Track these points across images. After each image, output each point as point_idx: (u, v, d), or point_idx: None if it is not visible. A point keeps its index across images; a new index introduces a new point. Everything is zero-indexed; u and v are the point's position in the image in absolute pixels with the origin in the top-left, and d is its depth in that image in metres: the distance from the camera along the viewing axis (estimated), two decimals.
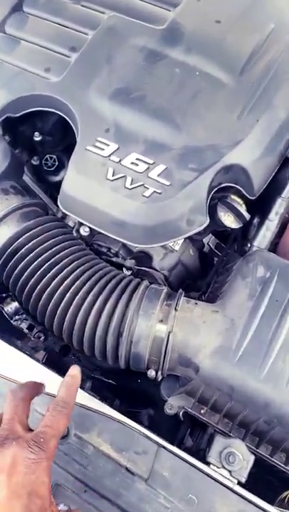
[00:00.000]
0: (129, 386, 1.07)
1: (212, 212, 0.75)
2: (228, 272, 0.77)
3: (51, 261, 0.71)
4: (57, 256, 0.72)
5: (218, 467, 0.64)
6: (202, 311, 0.69)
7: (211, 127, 0.74)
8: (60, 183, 0.79)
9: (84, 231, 0.82)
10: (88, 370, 1.05)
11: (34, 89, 0.79)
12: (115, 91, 0.77)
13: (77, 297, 0.69)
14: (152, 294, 0.70)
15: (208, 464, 0.64)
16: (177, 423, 0.85)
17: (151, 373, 0.70)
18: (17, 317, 1.05)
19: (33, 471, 0.47)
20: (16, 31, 0.85)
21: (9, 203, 0.76)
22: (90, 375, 1.05)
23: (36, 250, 0.72)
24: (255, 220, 0.87)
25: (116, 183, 0.72)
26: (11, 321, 1.03)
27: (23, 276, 0.71)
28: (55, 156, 0.87)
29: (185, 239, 0.82)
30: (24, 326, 1.03)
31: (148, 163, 0.72)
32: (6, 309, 1.03)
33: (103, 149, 0.73)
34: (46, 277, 0.70)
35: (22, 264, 0.71)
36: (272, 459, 0.69)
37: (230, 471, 0.64)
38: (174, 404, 0.72)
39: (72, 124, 0.78)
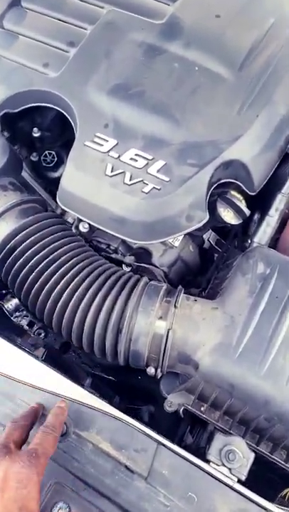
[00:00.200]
0: (129, 383, 1.06)
1: (212, 208, 0.73)
2: (229, 268, 0.75)
3: (50, 257, 0.70)
4: (56, 253, 0.70)
5: (218, 465, 0.62)
6: (202, 307, 0.67)
7: (211, 123, 0.72)
8: (59, 179, 0.77)
9: (83, 227, 0.81)
10: (88, 367, 1.04)
11: (32, 84, 0.77)
12: (114, 86, 0.75)
13: (76, 294, 0.67)
14: (152, 291, 0.68)
15: (208, 461, 0.63)
16: (178, 420, 0.83)
17: (151, 370, 0.68)
18: (17, 314, 1.03)
19: (24, 486, 0.48)
20: (14, 26, 0.83)
21: (8, 200, 0.74)
22: (90, 372, 1.04)
23: (35, 247, 0.70)
24: (256, 216, 0.85)
25: (115, 179, 0.70)
26: (11, 318, 1.02)
27: (22, 273, 0.70)
28: (54, 152, 0.85)
29: (185, 235, 0.80)
30: (24, 322, 1.02)
31: (147, 159, 0.70)
32: (6, 306, 1.02)
33: (102, 145, 0.72)
34: (45, 274, 0.68)
35: (21, 260, 0.70)
36: (273, 457, 0.68)
37: (230, 469, 0.62)
38: (174, 401, 0.71)
39: (70, 120, 0.76)
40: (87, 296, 0.67)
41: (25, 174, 0.87)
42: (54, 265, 0.69)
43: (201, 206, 0.70)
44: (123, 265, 0.80)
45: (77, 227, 0.81)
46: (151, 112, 0.73)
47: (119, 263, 0.80)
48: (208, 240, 0.89)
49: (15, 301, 1.02)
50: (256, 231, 0.76)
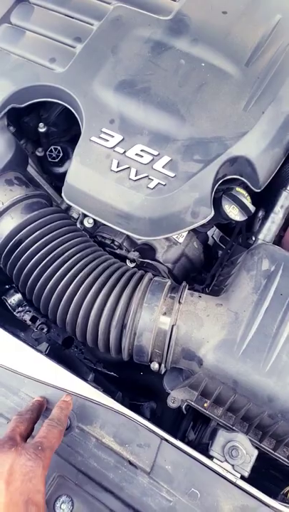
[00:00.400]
0: (131, 379, 1.05)
1: (217, 204, 0.72)
2: (233, 265, 0.74)
3: (54, 252, 0.69)
4: (60, 247, 0.69)
5: (221, 461, 0.61)
6: (206, 304, 0.67)
7: (217, 119, 0.71)
8: (64, 174, 0.76)
9: (88, 223, 0.80)
10: (90, 363, 1.03)
11: (39, 79, 0.76)
12: (120, 82, 0.74)
13: (81, 289, 0.66)
14: (156, 287, 0.67)
15: (211, 457, 0.62)
16: (180, 417, 0.83)
17: (155, 366, 0.67)
18: (20, 309, 1.03)
19: (29, 479, 0.47)
20: (22, 22, 0.82)
21: (13, 194, 0.73)
22: (92, 368, 1.04)
23: (40, 241, 0.69)
24: (260, 214, 0.84)
25: (120, 175, 0.70)
26: (14, 313, 1.02)
27: (27, 268, 0.69)
28: (59, 148, 0.84)
29: (189, 231, 0.79)
30: (27, 317, 1.01)
31: (153, 155, 0.69)
32: (9, 301, 1.01)
33: (108, 140, 0.71)
34: (50, 269, 0.68)
35: (26, 255, 0.69)
36: (276, 454, 0.67)
37: (233, 465, 0.61)
38: (177, 397, 0.70)
39: (76, 115, 0.75)
40: (92, 291, 0.66)
41: (31, 169, 0.86)
42: (59, 260, 0.68)
43: (206, 202, 0.69)
44: (127, 261, 0.79)
45: (81, 223, 0.81)
46: (157, 107, 0.71)
47: (123, 259, 0.79)
48: (212, 236, 0.88)
49: (18, 296, 1.01)
50: (261, 228, 0.75)
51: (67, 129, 0.88)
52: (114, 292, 0.66)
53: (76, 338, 0.98)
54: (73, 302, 0.66)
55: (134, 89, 0.73)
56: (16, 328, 0.95)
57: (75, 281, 0.67)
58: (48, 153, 0.84)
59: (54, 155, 0.84)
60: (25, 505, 0.46)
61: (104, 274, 0.68)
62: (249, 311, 0.64)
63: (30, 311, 1.02)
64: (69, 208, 0.84)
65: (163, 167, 0.69)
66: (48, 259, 0.68)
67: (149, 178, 0.69)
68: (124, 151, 0.70)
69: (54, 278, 0.67)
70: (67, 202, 0.74)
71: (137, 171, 0.69)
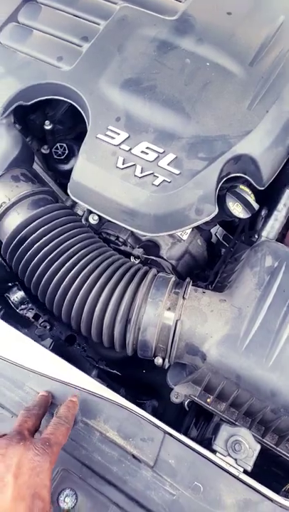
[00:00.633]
0: (133, 377, 1.05)
1: (221, 202, 0.73)
2: (236, 262, 0.74)
3: (60, 248, 0.69)
4: (66, 243, 0.70)
5: (224, 455, 0.62)
6: (210, 299, 0.67)
7: (221, 117, 0.71)
8: (69, 171, 0.77)
9: (93, 219, 0.80)
10: (93, 361, 1.03)
11: (46, 77, 0.77)
12: (126, 80, 0.74)
13: (86, 284, 0.67)
14: (160, 283, 0.68)
15: (214, 452, 0.62)
16: (181, 414, 0.83)
17: (158, 361, 0.68)
18: (23, 306, 1.03)
19: (37, 474, 0.48)
20: (29, 21, 0.82)
21: (20, 190, 0.74)
22: (95, 366, 1.04)
23: (45, 237, 0.70)
24: (263, 212, 0.84)
25: (126, 172, 0.70)
26: (17, 310, 1.02)
27: (33, 263, 0.69)
28: (65, 145, 0.84)
29: (193, 229, 0.80)
30: (30, 315, 1.01)
31: (158, 152, 0.70)
32: (12, 298, 1.02)
33: (114, 138, 0.71)
34: (55, 264, 0.68)
35: (31, 250, 0.69)
36: (278, 449, 0.67)
37: (236, 460, 0.61)
38: (180, 392, 0.70)
39: (83, 113, 0.75)
40: (97, 286, 0.66)
41: (36, 166, 0.86)
42: (64, 255, 0.69)
43: (211, 199, 0.69)
44: (131, 257, 0.80)
45: (86, 219, 0.81)
46: (162, 106, 0.72)
47: (127, 255, 0.79)
48: (215, 234, 0.88)
49: (20, 294, 1.01)
50: (264, 226, 0.75)
51: (72, 127, 0.89)
52: (119, 287, 0.66)
53: (79, 334, 0.98)
54: (78, 297, 0.66)
55: (140, 87, 0.73)
56: (19, 324, 0.95)
57: (81, 276, 0.67)
58: (53, 150, 0.85)
59: (60, 152, 0.84)
60: (32, 499, 0.46)
61: (109, 270, 0.68)
62: (252, 306, 0.64)
63: (33, 309, 1.02)
64: (74, 204, 0.84)
65: (168, 164, 0.69)
66: (53, 254, 0.68)
67: (155, 175, 0.69)
68: (130, 149, 0.70)
69: (60, 273, 0.67)
70: (73, 198, 0.74)
71: (142, 168, 0.69)
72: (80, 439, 0.63)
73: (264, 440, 0.66)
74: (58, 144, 0.84)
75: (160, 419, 0.65)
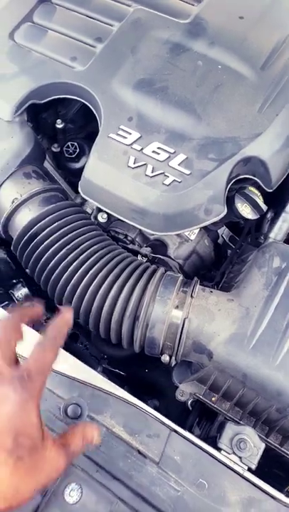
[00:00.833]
0: (136, 376, 1.06)
1: (229, 202, 0.74)
2: (243, 263, 0.75)
3: (70, 245, 0.70)
4: (76, 240, 0.70)
5: (228, 453, 0.62)
6: (217, 299, 0.68)
7: (232, 119, 0.72)
8: (79, 170, 0.77)
9: (102, 218, 0.81)
10: (95, 359, 1.04)
11: (60, 77, 0.78)
12: (139, 81, 0.75)
13: (96, 280, 0.67)
14: (168, 281, 0.68)
15: (219, 449, 0.62)
16: (183, 414, 0.83)
17: (165, 358, 0.68)
18: (27, 304, 1.03)
19: (18, 411, 0.41)
20: (44, 21, 0.83)
21: (31, 187, 0.74)
22: (99, 363, 1.04)
23: (56, 234, 0.70)
24: (269, 214, 0.85)
25: (137, 171, 0.71)
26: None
27: (43, 259, 0.70)
28: (76, 144, 0.85)
29: (200, 229, 0.81)
30: None
31: (169, 153, 0.71)
32: (16, 295, 1.02)
33: (126, 137, 0.72)
34: (65, 260, 0.69)
35: (42, 247, 0.70)
36: (282, 449, 0.67)
37: (240, 458, 0.62)
38: (186, 390, 0.71)
39: (95, 112, 0.76)
40: (106, 283, 0.67)
41: (47, 164, 0.87)
42: (75, 252, 0.69)
43: (220, 200, 0.70)
44: (139, 256, 0.80)
45: (95, 217, 0.82)
46: (174, 107, 0.73)
47: (135, 253, 0.80)
48: (221, 235, 0.89)
49: (24, 290, 1.02)
50: (272, 227, 0.76)
51: (83, 126, 0.90)
52: (128, 285, 0.67)
53: (82, 332, 0.99)
54: (88, 293, 0.67)
55: (153, 88, 0.74)
56: None
57: (90, 272, 0.68)
58: (65, 148, 0.86)
59: (71, 151, 0.85)
60: (15, 441, 0.40)
61: (118, 267, 0.69)
62: (260, 306, 0.65)
63: None
64: (83, 202, 0.85)
65: (179, 165, 0.70)
66: (64, 251, 0.69)
67: (165, 175, 0.70)
68: (142, 148, 0.71)
69: (70, 269, 0.68)
70: (84, 196, 0.75)
71: (153, 168, 0.70)
72: None
73: (268, 440, 0.67)
74: (69, 143, 0.85)
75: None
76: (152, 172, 0.70)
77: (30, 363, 0.43)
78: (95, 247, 0.71)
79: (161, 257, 0.79)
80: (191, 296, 0.67)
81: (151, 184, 0.70)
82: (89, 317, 0.69)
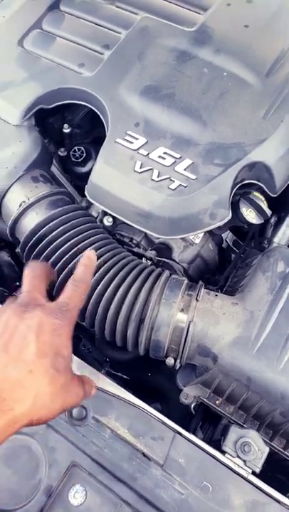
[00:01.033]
0: (138, 380, 1.06)
1: (234, 207, 0.74)
2: (247, 267, 0.76)
3: (77, 248, 0.70)
4: (82, 243, 0.71)
5: (233, 456, 0.62)
6: (222, 302, 0.68)
7: (237, 125, 0.74)
8: (86, 174, 0.79)
9: (107, 221, 0.82)
10: (98, 363, 1.04)
11: (67, 83, 0.79)
12: (146, 88, 0.76)
13: (102, 283, 0.68)
14: (174, 284, 0.69)
15: (223, 452, 0.63)
16: (186, 418, 0.83)
17: (170, 361, 0.69)
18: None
19: (58, 335, 0.47)
20: (53, 28, 0.85)
21: (39, 191, 0.75)
22: (101, 367, 1.05)
23: (63, 237, 0.71)
24: (273, 219, 0.86)
25: (143, 176, 0.72)
26: None
27: (50, 261, 0.71)
28: (82, 148, 0.87)
29: (205, 233, 0.81)
30: None
31: (175, 158, 0.72)
32: None
33: (132, 142, 0.73)
34: (72, 263, 0.70)
35: (49, 249, 0.71)
36: (285, 453, 0.68)
37: (245, 461, 0.62)
38: (190, 393, 0.71)
39: (102, 118, 0.77)
40: (112, 286, 0.68)
41: (53, 168, 0.88)
42: (80, 255, 0.70)
43: (225, 205, 0.71)
44: (144, 259, 0.81)
45: (101, 221, 0.83)
46: (180, 113, 0.74)
47: (140, 257, 0.81)
48: (225, 240, 0.90)
49: None
50: (276, 232, 0.77)
51: (90, 131, 0.91)
52: (133, 287, 0.67)
53: (85, 336, 0.99)
54: (93, 296, 0.68)
55: (159, 94, 0.75)
56: None
57: (96, 275, 0.68)
58: (71, 153, 0.87)
59: (78, 155, 0.86)
60: (55, 356, 0.46)
61: (124, 270, 0.70)
62: (264, 310, 0.66)
63: None
64: (89, 206, 0.86)
65: (184, 169, 0.71)
66: (71, 253, 0.70)
67: (171, 180, 0.71)
68: (148, 153, 0.72)
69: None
70: (90, 200, 0.76)
71: (159, 173, 0.71)
72: (91, 435, 0.64)
73: (272, 444, 0.67)
74: (75, 147, 0.87)
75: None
76: (158, 177, 0.71)
77: (67, 297, 0.51)
78: (101, 250, 0.72)
79: (166, 260, 0.80)
80: (196, 299, 0.67)
81: (157, 188, 0.71)
82: (94, 320, 0.69)
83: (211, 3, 0.85)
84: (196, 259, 0.82)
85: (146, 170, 0.72)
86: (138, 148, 0.73)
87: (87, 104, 0.79)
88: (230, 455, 0.62)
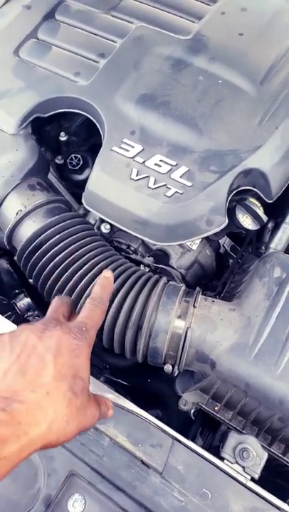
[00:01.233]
0: (138, 386, 1.07)
1: (230, 213, 0.76)
2: (245, 273, 0.77)
3: (74, 255, 0.72)
4: (79, 251, 0.72)
5: (232, 463, 0.63)
6: (219, 308, 0.69)
7: (232, 133, 0.75)
8: (83, 181, 0.80)
9: (105, 228, 0.83)
10: (98, 369, 1.05)
11: (64, 91, 0.80)
12: (141, 96, 0.78)
13: None
14: (171, 291, 0.70)
15: (222, 459, 0.63)
16: (186, 424, 0.84)
17: (168, 368, 0.70)
18: (29, 313, 1.05)
19: (76, 356, 0.47)
20: (48, 37, 0.87)
21: (35, 199, 0.77)
22: (101, 373, 1.05)
23: (60, 245, 0.72)
24: (270, 225, 0.87)
25: (139, 183, 0.73)
26: (23, 317, 1.04)
27: (46, 269, 0.72)
28: (79, 156, 0.88)
29: (202, 239, 0.83)
30: None
31: (171, 165, 0.73)
32: (18, 305, 1.04)
33: (128, 150, 0.75)
34: (69, 271, 0.70)
35: (46, 257, 0.72)
36: (284, 458, 0.68)
37: (243, 467, 0.63)
38: (189, 400, 0.72)
39: (98, 126, 0.79)
40: None
41: (50, 176, 0.90)
42: (78, 263, 0.71)
43: (221, 211, 0.72)
44: (141, 266, 0.82)
45: (98, 228, 0.84)
46: (176, 120, 0.76)
47: (138, 264, 0.82)
48: (223, 245, 0.91)
49: (27, 301, 1.04)
50: (272, 238, 0.78)
51: (86, 139, 0.92)
52: (130, 295, 0.68)
53: None
54: (88, 291, 0.68)
55: (155, 102, 0.77)
56: None
57: (93, 283, 0.69)
58: (68, 160, 0.88)
59: (74, 163, 0.88)
60: (73, 378, 0.46)
61: (121, 277, 0.71)
62: (261, 316, 0.67)
63: (39, 316, 1.04)
64: (86, 213, 0.87)
65: (180, 177, 0.73)
66: (68, 261, 0.71)
67: (167, 187, 0.72)
68: (144, 161, 0.74)
69: (73, 279, 0.70)
70: (87, 208, 0.77)
71: (155, 180, 0.73)
72: (89, 443, 0.64)
73: (271, 449, 0.68)
74: (72, 155, 0.88)
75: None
76: (154, 184, 0.72)
77: (85, 317, 0.52)
78: (99, 257, 0.73)
79: (164, 266, 0.81)
80: (194, 305, 0.68)
81: (154, 196, 0.72)
82: None
83: (206, 12, 0.86)
84: (194, 265, 0.83)
85: (143, 177, 0.73)
86: (134, 156, 0.74)
87: (83, 113, 0.81)
88: (229, 461, 0.63)
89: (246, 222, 0.75)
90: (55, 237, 0.73)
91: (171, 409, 1.01)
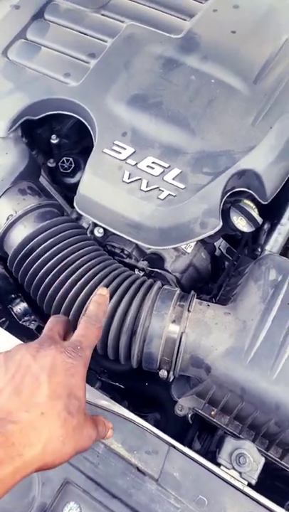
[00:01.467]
0: (136, 390, 1.07)
1: (225, 216, 0.76)
2: (240, 275, 0.77)
3: (66, 260, 0.72)
4: (72, 256, 0.72)
5: (228, 468, 0.63)
6: (214, 312, 0.70)
7: (226, 133, 0.75)
8: (75, 185, 0.80)
9: (98, 232, 0.83)
10: (95, 373, 1.05)
11: (54, 93, 0.81)
12: (133, 96, 0.78)
13: (91, 297, 0.69)
14: (165, 295, 0.70)
15: (218, 465, 0.64)
16: (184, 428, 0.85)
17: (163, 373, 0.70)
18: (25, 318, 1.06)
19: (72, 375, 0.47)
20: (37, 38, 0.87)
21: (26, 203, 0.77)
22: (97, 378, 1.06)
23: (52, 250, 0.72)
24: (266, 226, 0.88)
25: (132, 186, 0.73)
26: (20, 322, 1.04)
27: (39, 275, 0.72)
28: (71, 159, 0.88)
29: (197, 242, 0.83)
30: (33, 327, 1.04)
31: (163, 167, 0.73)
32: (14, 310, 1.04)
33: (120, 153, 0.75)
34: (61, 277, 0.71)
35: (38, 263, 0.72)
36: (282, 462, 0.69)
37: (240, 473, 0.63)
38: (185, 405, 0.72)
39: (89, 128, 0.79)
40: None
41: (42, 179, 0.90)
42: (70, 268, 0.71)
43: (215, 213, 0.72)
44: (136, 270, 0.83)
45: (91, 232, 0.84)
46: (168, 121, 0.76)
47: (132, 267, 0.82)
48: (218, 248, 0.91)
49: (23, 305, 1.04)
50: (268, 239, 0.78)
51: (78, 141, 0.92)
52: (124, 300, 0.69)
53: None
54: (84, 309, 0.69)
55: (146, 103, 0.77)
56: (23, 336, 0.97)
57: (87, 288, 0.69)
58: (60, 164, 0.88)
59: (66, 166, 0.88)
60: (68, 398, 0.46)
61: (114, 282, 0.71)
62: (257, 319, 0.67)
63: (35, 321, 1.05)
64: (79, 217, 0.87)
65: (173, 179, 0.73)
66: (59, 266, 0.71)
67: (160, 190, 0.72)
68: (136, 163, 0.74)
69: (66, 285, 0.70)
70: (79, 211, 0.77)
71: (148, 183, 0.73)
72: None
73: (268, 454, 0.68)
74: (64, 158, 0.88)
75: (163, 432, 0.67)
76: (147, 187, 0.73)
77: (81, 337, 0.52)
78: (91, 262, 0.73)
79: (159, 270, 0.81)
80: (188, 310, 0.69)
81: (146, 198, 0.72)
82: None
83: (198, 10, 0.86)
84: (189, 269, 0.83)
85: (135, 180, 0.73)
86: (126, 158, 0.74)
87: (73, 115, 0.81)
88: (226, 467, 0.63)
89: (241, 224, 0.76)
90: (47, 242, 0.73)
91: (168, 412, 1.02)
